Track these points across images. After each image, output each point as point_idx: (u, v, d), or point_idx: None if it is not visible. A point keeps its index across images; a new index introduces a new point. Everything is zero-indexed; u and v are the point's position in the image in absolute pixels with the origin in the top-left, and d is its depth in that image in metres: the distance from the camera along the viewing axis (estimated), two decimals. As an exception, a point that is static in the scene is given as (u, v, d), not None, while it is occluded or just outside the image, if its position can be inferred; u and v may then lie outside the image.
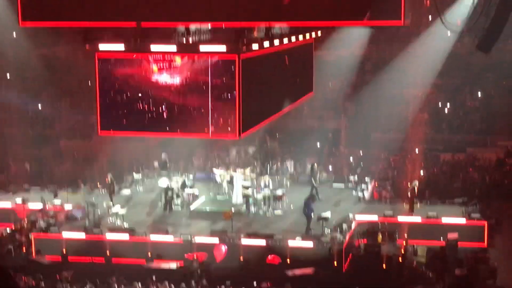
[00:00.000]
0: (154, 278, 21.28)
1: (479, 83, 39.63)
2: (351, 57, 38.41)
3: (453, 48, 36.76)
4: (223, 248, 22.90)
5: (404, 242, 24.06)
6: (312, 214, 24.24)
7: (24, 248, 24.81)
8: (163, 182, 27.60)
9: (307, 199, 24.65)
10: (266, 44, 20.95)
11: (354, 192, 28.90)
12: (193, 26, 20.32)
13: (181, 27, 20.28)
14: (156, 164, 32.42)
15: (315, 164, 28.99)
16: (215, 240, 23.60)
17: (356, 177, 30.08)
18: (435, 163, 34.35)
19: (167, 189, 26.93)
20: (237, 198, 27.09)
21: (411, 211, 25.80)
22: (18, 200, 28.07)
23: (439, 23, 19.37)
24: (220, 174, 28.78)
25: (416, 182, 26.48)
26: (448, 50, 36.51)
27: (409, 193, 26.20)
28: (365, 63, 40.49)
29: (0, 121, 39.50)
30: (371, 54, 41.11)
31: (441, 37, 34.61)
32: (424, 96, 38.32)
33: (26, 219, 26.25)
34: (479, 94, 39.67)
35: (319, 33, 28.23)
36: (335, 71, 38.91)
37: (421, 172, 32.01)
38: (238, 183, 27.16)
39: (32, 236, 24.74)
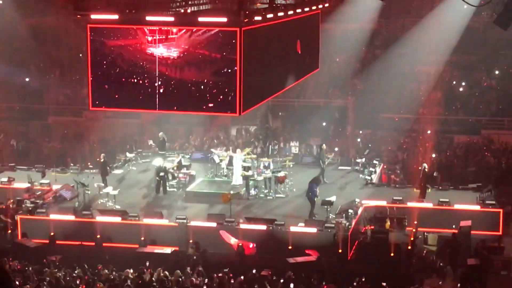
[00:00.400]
0: (147, 264, 21.26)
1: (496, 61, 39.44)
2: (360, 31, 38.26)
3: (470, 23, 36.63)
4: (251, 245, 22.81)
5: (413, 229, 24.02)
6: (315, 198, 24.20)
7: (9, 230, 24.80)
8: (157, 161, 27.55)
9: (311, 182, 24.59)
10: (270, 15, 20.79)
11: (361, 175, 28.85)
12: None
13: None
14: (150, 142, 32.38)
15: (324, 145, 28.94)
16: (212, 224, 23.57)
17: (363, 159, 30.02)
18: (448, 146, 34.29)
19: (159, 169, 26.85)
20: (236, 179, 27.06)
21: (422, 197, 25.75)
22: (3, 179, 28.05)
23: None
24: (218, 154, 28.72)
25: (425, 165, 26.40)
26: (464, 24, 36.35)
27: (420, 177, 26.14)
28: (374, 38, 40.34)
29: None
30: (381, 28, 40.99)
31: (457, 10, 34.45)
32: (437, 73, 38.16)
33: (11, 200, 26.21)
34: (496, 72, 39.50)
35: (326, 4, 28.03)
36: (343, 46, 38.75)
37: (433, 155, 31.95)
38: (238, 164, 27.12)
39: (18, 217, 24.71)
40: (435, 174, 27.07)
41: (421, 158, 31.19)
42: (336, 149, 32.80)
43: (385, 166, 30.77)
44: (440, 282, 20.94)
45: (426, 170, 26.18)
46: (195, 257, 22.15)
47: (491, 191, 26.37)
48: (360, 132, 35.91)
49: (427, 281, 21.05)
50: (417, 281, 20.68)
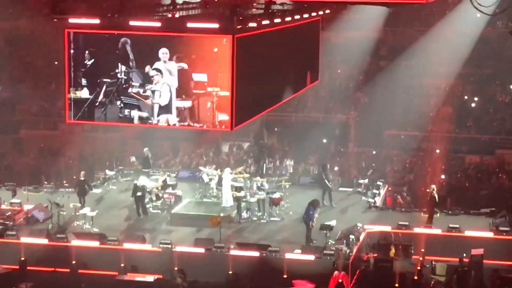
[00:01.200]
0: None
1: (511, 75, 39.62)
2: (364, 40, 38.44)
3: (483, 33, 36.82)
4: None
5: (420, 257, 24.04)
6: (311, 222, 24.19)
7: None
8: (142, 180, 27.53)
9: (309, 204, 24.62)
10: (266, 22, 20.88)
11: (363, 198, 28.90)
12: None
13: (166, 0, 20.22)
14: (133, 159, 32.38)
15: (328, 165, 29.07)
16: (199, 249, 23.55)
17: (366, 180, 30.07)
18: (459, 167, 34.37)
19: (137, 189, 26.80)
20: (226, 200, 27.07)
21: (430, 222, 25.79)
22: (-30, 198, 28.01)
23: (468, 3, 19.30)
24: (208, 173, 28.74)
25: (434, 187, 26.46)
26: (477, 35, 36.60)
27: (428, 200, 26.20)
28: (380, 48, 40.55)
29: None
30: (387, 37, 41.19)
31: (469, 19, 34.65)
32: (448, 87, 38.34)
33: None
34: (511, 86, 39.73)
35: (327, 10, 28.16)
36: (345, 56, 38.96)
37: (443, 176, 32.03)
38: (228, 184, 27.13)
39: (-14, 239, 24.68)
40: (433, 189, 27.00)
41: (429, 179, 31.26)
42: (336, 168, 32.87)
43: (390, 188, 30.82)
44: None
45: (434, 192, 26.23)
46: (183, 287, 22.10)
47: (506, 216, 26.41)
48: (370, 151, 35.96)
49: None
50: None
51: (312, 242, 24.06)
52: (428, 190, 26.77)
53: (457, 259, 23.54)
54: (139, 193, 26.85)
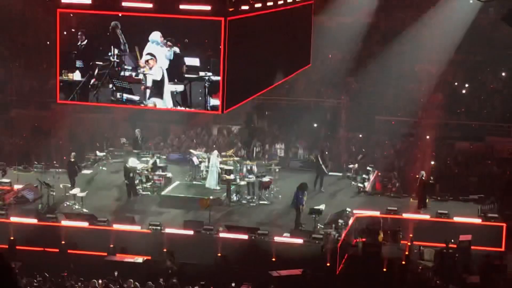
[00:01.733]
0: (116, 274, 21.21)
1: (503, 62, 39.65)
2: (357, 25, 38.36)
3: (476, 20, 36.76)
4: None
5: (408, 242, 24.14)
6: (301, 206, 24.22)
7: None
8: (132, 162, 27.50)
9: (298, 188, 24.62)
10: (258, 5, 20.81)
11: (353, 183, 28.93)
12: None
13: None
14: (123, 140, 32.33)
15: (325, 150, 29.19)
16: (188, 232, 23.58)
17: (356, 165, 30.11)
18: (449, 153, 34.44)
19: (129, 170, 26.75)
20: (210, 182, 27.06)
21: (420, 207, 25.86)
22: (-40, 177, 27.97)
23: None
24: (198, 155, 28.71)
25: (423, 173, 26.52)
26: (469, 21, 36.53)
27: (417, 185, 26.28)
28: (372, 33, 40.43)
29: None
30: (379, 22, 41.08)
31: (462, 6, 34.64)
32: (439, 73, 38.32)
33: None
34: (503, 74, 39.74)
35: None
36: (337, 41, 38.83)
37: (432, 163, 32.10)
38: (214, 167, 27.12)
39: (-26, 219, 24.64)
40: (431, 181, 27.16)
41: (419, 165, 31.31)
42: (327, 153, 32.89)
43: (379, 173, 30.87)
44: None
45: (423, 178, 26.30)
46: (172, 268, 22.12)
47: (494, 203, 26.53)
48: (359, 135, 36.00)
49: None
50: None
51: (301, 226, 24.11)
52: (417, 176, 26.83)
53: (445, 245, 23.66)
54: (131, 175, 26.81)
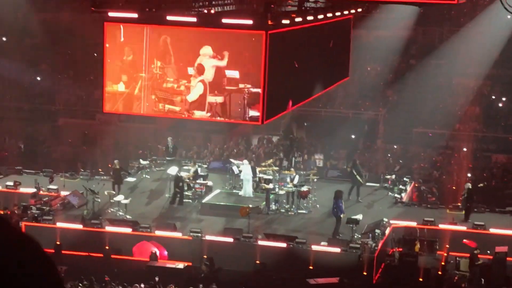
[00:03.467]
0: (157, 279, 21.33)
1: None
2: (395, 39, 38.24)
3: (513, 34, 36.45)
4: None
5: (445, 253, 23.91)
6: (342, 214, 24.10)
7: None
8: (172, 170, 27.65)
9: (335, 197, 24.51)
10: (298, 19, 20.86)
11: (390, 193, 28.75)
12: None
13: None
14: (164, 148, 32.53)
15: (357, 160, 29.10)
16: (228, 239, 23.61)
17: (393, 176, 29.92)
18: (486, 165, 34.10)
19: (178, 179, 26.92)
20: (245, 190, 27.06)
21: (467, 219, 25.52)
22: (9, 183, 28.28)
23: (499, 4, 19.13)
24: (238, 164, 28.76)
25: (469, 185, 26.28)
26: (507, 35, 36.20)
27: (465, 197, 25.96)
28: (410, 47, 40.30)
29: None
30: (417, 36, 40.93)
31: (499, 20, 34.31)
32: (476, 87, 38.00)
33: (17, 205, 26.42)
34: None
35: (359, 9, 28.05)
36: (376, 54, 38.77)
37: (469, 175, 31.81)
38: (248, 175, 27.13)
39: (22, 224, 24.88)
40: (467, 187, 26.81)
41: (456, 177, 31.07)
42: (358, 163, 32.76)
43: (416, 184, 30.66)
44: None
45: (470, 189, 26.03)
46: (207, 274, 22.18)
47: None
48: (395, 146, 35.82)
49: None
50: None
51: (339, 235, 24.01)
52: (464, 188, 26.53)
53: (482, 256, 23.40)
54: (180, 184, 26.89)
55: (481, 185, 27.59)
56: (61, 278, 1.78)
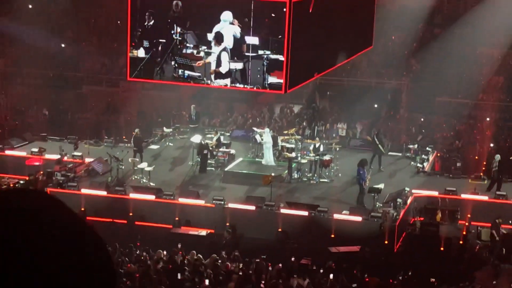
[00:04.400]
0: (179, 246, 21.45)
1: None
2: (419, 7, 37.83)
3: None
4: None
5: (466, 223, 23.85)
6: (363, 182, 24.03)
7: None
8: (196, 138, 27.69)
9: (358, 165, 24.45)
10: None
11: (412, 163, 28.65)
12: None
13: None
14: (187, 116, 32.57)
15: (381, 129, 29.02)
16: (250, 207, 23.67)
17: (416, 145, 29.78)
18: (508, 135, 33.84)
19: (201, 147, 26.93)
20: (267, 159, 27.06)
21: (499, 189, 25.30)
22: (34, 149, 28.49)
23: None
24: (260, 133, 28.72)
25: (499, 156, 26.08)
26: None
27: (495, 169, 25.75)
28: (434, 16, 39.89)
29: (17, 59, 39.90)
30: (442, 5, 40.50)
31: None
32: (501, 56, 37.60)
33: (41, 171, 26.62)
34: None
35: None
36: (399, 23, 38.33)
37: (491, 145, 31.59)
38: (268, 142, 27.10)
39: (47, 190, 25.07)
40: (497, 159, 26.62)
41: (479, 147, 30.88)
42: (381, 133, 32.63)
43: (439, 154, 30.51)
44: (494, 282, 20.75)
45: (500, 161, 25.83)
46: (229, 241, 22.27)
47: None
48: (420, 117, 35.63)
49: (479, 279, 20.90)
50: (468, 278, 20.55)
51: (363, 204, 23.93)
52: (494, 160, 26.29)
53: (504, 226, 23.33)
54: (205, 151, 26.92)
55: (498, 158, 27.28)
56: (116, 272, 1.75)
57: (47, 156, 28.10)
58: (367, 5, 27.21)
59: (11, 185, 26.71)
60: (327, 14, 22.34)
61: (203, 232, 23.21)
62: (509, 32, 36.41)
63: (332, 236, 22.79)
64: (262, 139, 28.12)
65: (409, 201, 24.47)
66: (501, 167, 25.73)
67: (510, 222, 23.54)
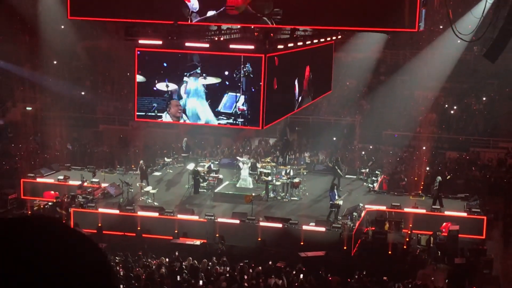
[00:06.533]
0: (176, 253, 21.32)
1: (484, 89, 39.18)
2: (367, 59, 38.22)
3: (462, 55, 36.46)
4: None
5: (408, 231, 23.91)
6: (336, 201, 23.99)
7: (64, 221, 25.00)
8: (190, 166, 27.65)
9: (330, 190, 24.47)
10: (290, 44, 20.83)
11: (364, 183, 28.74)
12: (224, 26, 20.25)
13: (213, 26, 20.23)
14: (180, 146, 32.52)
15: (339, 158, 29.07)
16: (235, 221, 23.60)
17: (367, 169, 29.91)
18: (441, 160, 34.07)
19: (195, 173, 26.92)
20: (240, 182, 26.97)
21: (440, 205, 25.25)
22: (60, 177, 28.31)
23: (451, 31, 19.12)
24: (243, 161, 28.73)
25: (439, 178, 26.09)
26: (457, 57, 36.21)
27: (436, 188, 25.76)
28: (380, 66, 40.27)
29: (46, 104, 39.83)
30: (385, 57, 40.93)
31: (451, 44, 34.31)
32: (433, 98, 37.99)
33: (66, 195, 26.45)
34: (484, 98, 39.23)
35: (339, 36, 28.01)
36: (352, 72, 38.73)
37: (427, 168, 31.76)
38: (245, 170, 27.09)
39: (71, 210, 24.93)
40: (448, 177, 26.69)
41: (417, 170, 31.04)
42: (339, 160, 32.65)
43: (385, 176, 30.61)
44: (432, 278, 20.81)
45: (440, 181, 25.86)
46: (222, 250, 22.16)
47: (477, 200, 26.16)
48: (366, 146, 35.83)
49: (420, 276, 20.94)
50: (411, 276, 20.58)
51: (334, 219, 23.68)
52: (435, 181, 26.22)
53: (438, 233, 23.40)
54: (197, 177, 26.88)
55: (449, 177, 27.46)
56: (112, 275, 1.72)
57: (71, 182, 27.91)
58: (326, 58, 27.49)
59: (42, 206, 26.51)
60: (295, 66, 22.52)
61: (198, 242, 23.09)
62: (439, 77, 36.89)
63: (302, 243, 22.74)
64: (242, 167, 28.14)
65: (362, 214, 24.50)
66: (440, 186, 25.81)
67: (443, 230, 23.56)
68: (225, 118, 19.56)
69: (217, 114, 19.51)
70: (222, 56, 19.20)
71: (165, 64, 19.67)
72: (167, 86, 19.45)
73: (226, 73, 19.22)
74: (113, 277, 1.70)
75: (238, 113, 19.08)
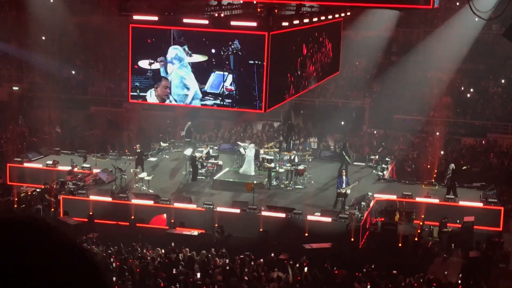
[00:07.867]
0: (173, 244, 21.34)
1: (502, 70, 39.05)
2: (378, 38, 38.08)
3: (480, 35, 36.31)
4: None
5: (420, 222, 23.91)
6: (342, 188, 23.95)
7: (52, 208, 25.04)
8: (188, 151, 27.62)
9: (338, 175, 24.45)
10: (296, 22, 20.73)
11: (374, 171, 28.70)
12: (225, 1, 20.18)
13: (213, 1, 20.15)
14: (182, 133, 32.46)
15: (347, 143, 29.00)
16: (236, 210, 23.61)
17: (377, 156, 29.86)
18: (456, 147, 34.01)
19: (193, 159, 26.88)
20: (246, 169, 26.96)
21: (454, 195, 25.22)
22: (49, 162, 28.30)
23: (468, 9, 18.98)
24: (244, 146, 28.70)
25: (453, 165, 26.05)
26: (474, 36, 36.06)
27: (449, 176, 25.73)
28: (391, 45, 40.15)
29: (33, 84, 39.75)
30: (398, 36, 40.78)
31: (468, 23, 34.13)
32: (448, 80, 37.88)
33: (55, 181, 26.45)
34: (502, 81, 39.13)
35: (348, 13, 27.88)
36: (362, 51, 38.59)
37: (441, 154, 31.73)
38: (250, 156, 27.05)
39: (60, 197, 24.95)
40: (464, 167, 26.63)
41: (430, 157, 30.99)
42: (348, 146, 32.63)
43: (396, 163, 30.57)
44: (446, 273, 20.81)
45: (454, 169, 25.83)
46: (217, 239, 22.18)
47: (494, 189, 26.13)
48: (375, 131, 35.80)
49: (431, 270, 20.96)
50: (422, 270, 20.59)
51: (344, 207, 23.71)
52: (448, 169, 26.21)
53: (452, 225, 23.41)
54: (196, 163, 26.85)
55: (464, 167, 27.38)
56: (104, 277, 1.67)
57: (60, 167, 27.92)
58: (334, 37, 27.38)
59: (29, 192, 26.53)
60: (300, 45, 22.43)
61: (195, 232, 23.10)
62: (455, 58, 36.73)
63: (306, 234, 22.75)
64: (245, 152, 28.10)
65: (371, 204, 24.49)
66: (453, 175, 25.77)
67: (458, 221, 23.58)
68: (211, 98, 19.45)
69: (203, 94, 19.41)
70: (207, 31, 19.02)
71: (148, 41, 19.56)
72: (150, 64, 19.35)
73: (213, 51, 19.07)
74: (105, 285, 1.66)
75: (226, 93, 18.99)
